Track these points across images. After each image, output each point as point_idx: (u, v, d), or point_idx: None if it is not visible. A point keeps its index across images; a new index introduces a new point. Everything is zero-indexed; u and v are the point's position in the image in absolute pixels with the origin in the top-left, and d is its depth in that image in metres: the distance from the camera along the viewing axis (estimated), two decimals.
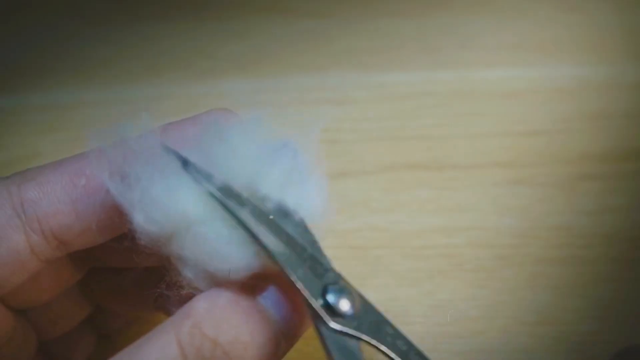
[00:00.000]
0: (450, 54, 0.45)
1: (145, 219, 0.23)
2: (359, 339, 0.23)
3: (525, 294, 0.35)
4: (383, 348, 0.24)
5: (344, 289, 0.23)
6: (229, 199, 0.23)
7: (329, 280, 0.23)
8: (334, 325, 0.23)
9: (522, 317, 0.35)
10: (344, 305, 0.23)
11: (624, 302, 0.35)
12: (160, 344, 0.21)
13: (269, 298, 0.23)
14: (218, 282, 0.23)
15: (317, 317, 0.23)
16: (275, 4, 0.47)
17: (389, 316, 0.24)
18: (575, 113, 0.42)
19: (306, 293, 0.23)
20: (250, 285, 0.23)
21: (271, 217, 0.23)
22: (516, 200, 0.39)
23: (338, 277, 0.24)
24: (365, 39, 0.46)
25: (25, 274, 0.25)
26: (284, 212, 0.24)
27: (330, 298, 0.23)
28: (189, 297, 0.23)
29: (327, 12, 0.47)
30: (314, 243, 0.24)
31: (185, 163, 0.23)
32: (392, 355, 0.24)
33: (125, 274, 0.30)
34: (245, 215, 0.23)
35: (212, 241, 0.23)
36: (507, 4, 0.47)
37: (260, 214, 0.23)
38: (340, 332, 0.23)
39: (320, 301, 0.23)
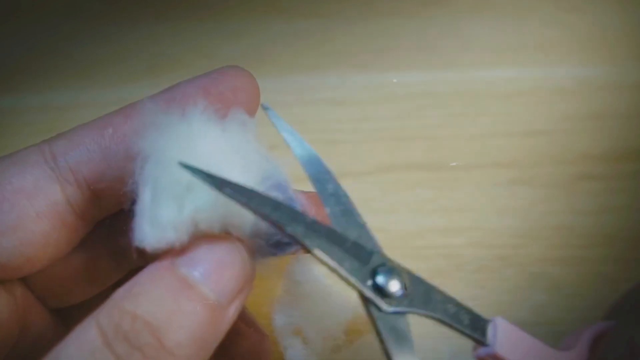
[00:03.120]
0: (450, 54, 0.45)
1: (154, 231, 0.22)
2: (414, 313, 0.24)
3: (525, 294, 0.35)
4: (435, 316, 0.25)
5: (392, 270, 0.24)
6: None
7: (376, 263, 0.24)
8: (387, 308, 0.23)
9: (522, 317, 0.35)
10: (394, 286, 0.23)
11: None
12: (79, 331, 0.21)
13: (193, 264, 0.22)
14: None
15: (369, 302, 0.23)
16: (275, 4, 0.47)
17: None
18: (575, 113, 0.42)
19: (356, 283, 0.23)
20: (178, 252, 0.22)
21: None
22: (516, 200, 0.39)
23: (385, 259, 0.24)
24: (365, 39, 0.46)
25: (64, 231, 0.25)
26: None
27: (380, 281, 0.23)
28: None
29: (327, 12, 0.47)
30: (360, 225, 0.25)
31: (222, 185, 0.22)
32: (444, 319, 0.25)
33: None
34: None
35: None
36: (508, 4, 0.47)
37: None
38: (394, 313, 0.23)
39: (370, 285, 0.23)
